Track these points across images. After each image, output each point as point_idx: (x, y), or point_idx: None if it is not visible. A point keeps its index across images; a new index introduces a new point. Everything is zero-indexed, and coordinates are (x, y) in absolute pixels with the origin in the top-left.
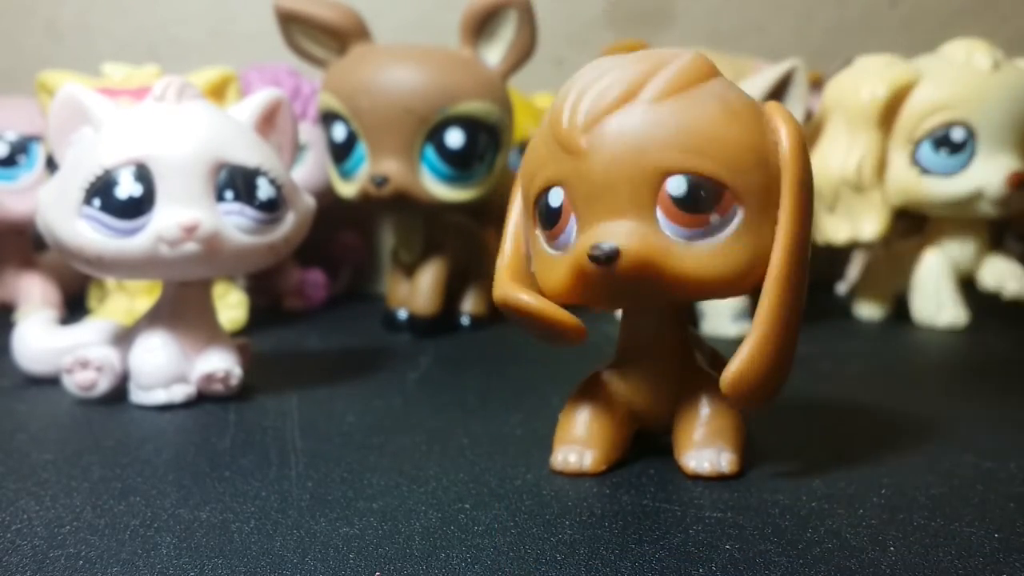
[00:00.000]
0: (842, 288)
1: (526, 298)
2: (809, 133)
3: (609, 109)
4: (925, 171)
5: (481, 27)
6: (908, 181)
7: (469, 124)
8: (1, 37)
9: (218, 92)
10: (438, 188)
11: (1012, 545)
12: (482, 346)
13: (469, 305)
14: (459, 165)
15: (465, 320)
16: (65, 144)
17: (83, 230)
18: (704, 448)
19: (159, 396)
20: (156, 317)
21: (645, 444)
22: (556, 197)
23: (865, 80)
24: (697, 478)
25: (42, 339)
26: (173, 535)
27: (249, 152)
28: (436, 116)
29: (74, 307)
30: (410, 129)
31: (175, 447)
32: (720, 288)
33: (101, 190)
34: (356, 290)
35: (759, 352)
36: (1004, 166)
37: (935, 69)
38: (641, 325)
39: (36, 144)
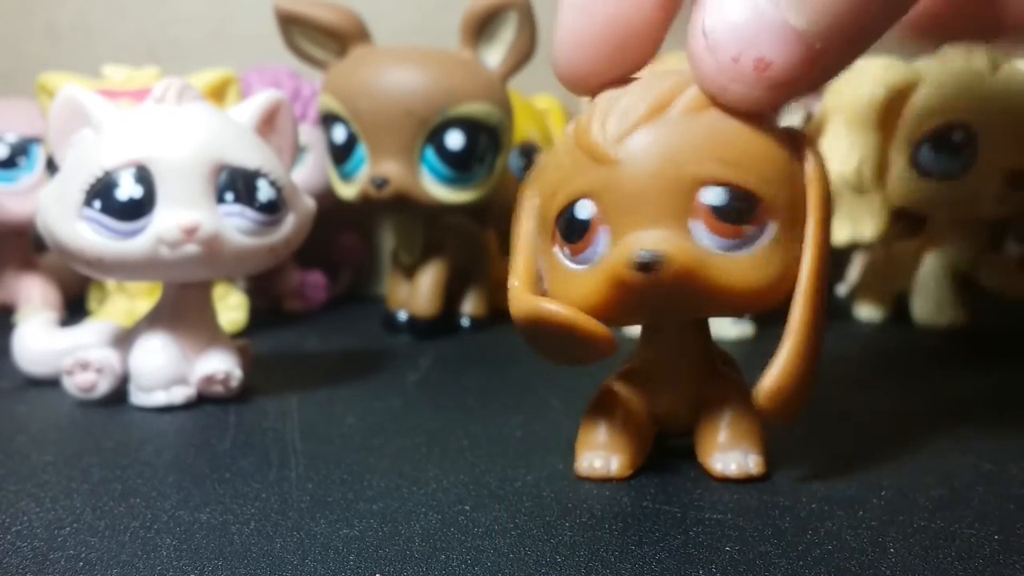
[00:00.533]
0: (842, 289)
1: (554, 308)
2: (809, 135)
3: (641, 121)
4: (925, 173)
5: (481, 29)
6: (908, 182)
7: (469, 126)
8: (0, 38)
9: (218, 94)
10: (438, 190)
11: (1012, 547)
12: (482, 348)
13: (469, 307)
14: (459, 167)
15: (465, 321)
16: (65, 145)
17: (83, 232)
18: (730, 451)
19: (159, 398)
20: (156, 319)
21: None
22: (584, 209)
23: (865, 82)
24: (726, 480)
25: (42, 341)
26: (173, 537)
27: (249, 154)
28: (436, 118)
29: (74, 309)
30: (410, 131)
31: (175, 449)
32: (753, 300)
33: (101, 192)
34: (356, 292)
35: (794, 363)
36: (1002, 168)
37: (935, 71)
38: (665, 332)
39: (36, 146)
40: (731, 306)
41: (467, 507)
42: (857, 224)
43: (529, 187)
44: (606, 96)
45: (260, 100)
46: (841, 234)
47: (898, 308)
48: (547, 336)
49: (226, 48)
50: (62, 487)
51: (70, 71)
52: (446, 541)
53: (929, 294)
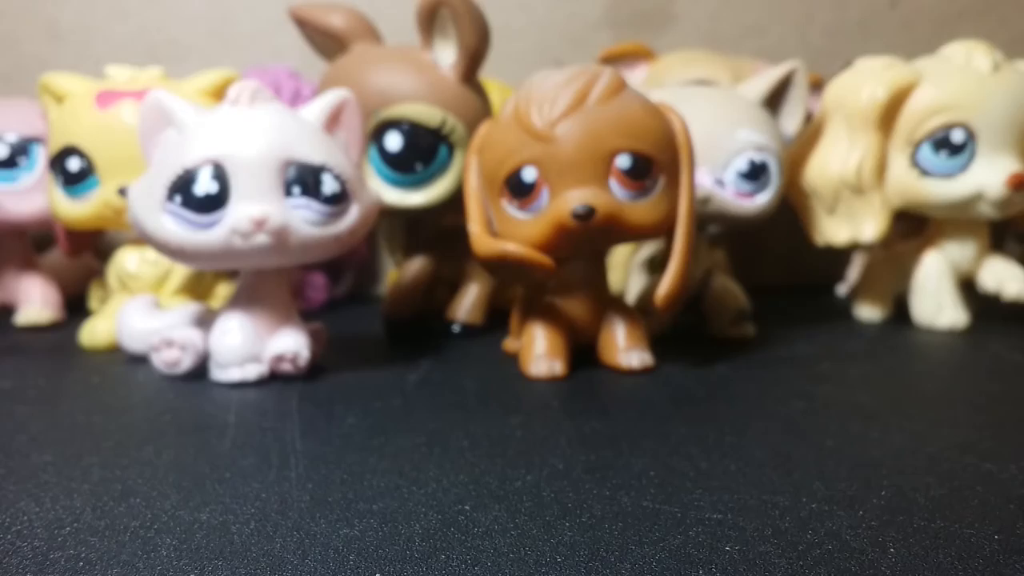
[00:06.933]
0: (842, 289)
1: (512, 247)
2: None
3: (569, 109)
4: (925, 173)
5: (429, 27)
6: (908, 183)
7: (407, 127)
8: (1, 38)
9: (219, 94)
10: (389, 193)
11: (1012, 547)
12: (482, 348)
13: (464, 313)
14: (399, 168)
15: (456, 327)
16: (153, 145)
17: (167, 224)
18: (630, 351)
19: (233, 374)
20: (234, 302)
21: (646, 447)
22: (530, 174)
23: (865, 82)
24: (631, 371)
25: (140, 320)
26: (173, 537)
27: (315, 150)
28: (372, 119)
29: (74, 309)
30: None
31: (175, 449)
32: (651, 233)
33: (182, 188)
34: (357, 292)
35: (679, 275)
36: (1004, 168)
37: (935, 71)
38: (577, 265)
39: (36, 146)
40: (637, 238)
41: (467, 507)
42: (857, 224)
43: (473, 154)
44: (537, 90)
45: (327, 99)
46: (841, 234)
47: (898, 309)
48: (506, 267)
49: (226, 48)
50: (62, 487)
51: (70, 71)
52: (446, 541)
53: (929, 294)
